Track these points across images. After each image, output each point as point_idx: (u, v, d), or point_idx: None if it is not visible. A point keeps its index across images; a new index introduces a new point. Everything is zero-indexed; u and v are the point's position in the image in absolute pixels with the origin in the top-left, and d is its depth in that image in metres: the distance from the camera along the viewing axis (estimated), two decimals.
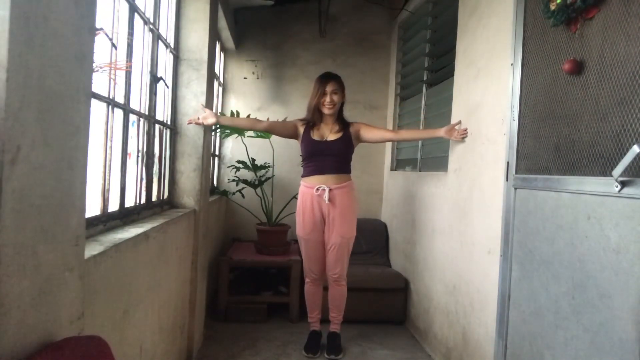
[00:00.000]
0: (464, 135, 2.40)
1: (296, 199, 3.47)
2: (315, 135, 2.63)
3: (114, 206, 1.67)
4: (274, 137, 3.61)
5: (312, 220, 2.63)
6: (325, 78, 2.61)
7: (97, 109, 1.50)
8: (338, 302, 2.76)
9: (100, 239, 1.38)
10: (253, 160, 3.57)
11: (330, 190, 2.57)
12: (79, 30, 0.94)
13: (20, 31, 0.74)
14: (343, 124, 2.67)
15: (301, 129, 2.69)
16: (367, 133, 2.67)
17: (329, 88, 2.57)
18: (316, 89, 2.61)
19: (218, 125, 3.46)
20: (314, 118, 2.64)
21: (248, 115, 3.39)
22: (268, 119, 3.59)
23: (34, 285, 0.82)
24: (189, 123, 2.44)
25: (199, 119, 2.44)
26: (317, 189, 2.57)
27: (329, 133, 2.64)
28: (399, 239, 3.53)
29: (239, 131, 3.47)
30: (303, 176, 2.70)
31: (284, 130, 2.75)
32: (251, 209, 3.67)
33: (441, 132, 2.51)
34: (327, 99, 2.57)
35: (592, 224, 1.37)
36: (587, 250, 1.38)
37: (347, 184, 2.63)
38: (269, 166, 3.67)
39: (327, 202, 2.56)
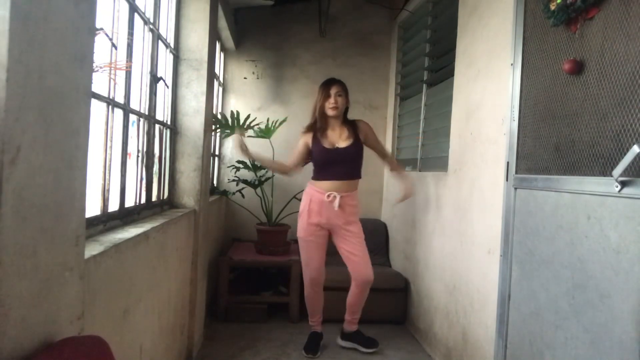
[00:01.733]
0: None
1: (297, 199, 3.49)
2: (325, 143, 2.61)
3: (114, 206, 1.67)
4: (273, 137, 3.62)
5: (316, 224, 2.61)
6: (329, 81, 2.64)
7: (97, 109, 1.50)
8: (360, 304, 2.76)
9: (100, 239, 1.38)
10: (253, 160, 3.57)
11: (340, 197, 2.56)
12: (79, 30, 0.94)
13: (20, 31, 0.74)
14: (351, 127, 2.66)
15: (309, 140, 2.66)
16: (371, 142, 2.73)
17: (332, 90, 2.59)
18: (320, 93, 2.62)
19: (222, 132, 3.49)
20: (321, 123, 2.63)
21: (248, 124, 3.38)
22: (269, 118, 3.60)
23: (34, 285, 0.82)
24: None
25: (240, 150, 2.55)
26: (328, 196, 2.55)
27: (339, 139, 2.63)
28: (399, 239, 3.53)
29: (240, 131, 3.46)
30: (314, 179, 2.67)
31: (303, 155, 2.72)
32: (251, 209, 3.67)
33: (402, 182, 2.78)
34: (331, 100, 2.58)
35: (592, 224, 1.37)
36: (587, 250, 1.38)
37: (355, 193, 2.65)
38: None
39: (336, 209, 2.55)
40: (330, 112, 2.59)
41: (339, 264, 3.26)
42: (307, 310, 2.84)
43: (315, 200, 2.61)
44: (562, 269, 1.49)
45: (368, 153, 2.75)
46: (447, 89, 2.80)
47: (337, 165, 2.59)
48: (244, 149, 2.55)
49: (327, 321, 2.91)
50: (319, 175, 2.65)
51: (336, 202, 2.54)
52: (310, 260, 2.68)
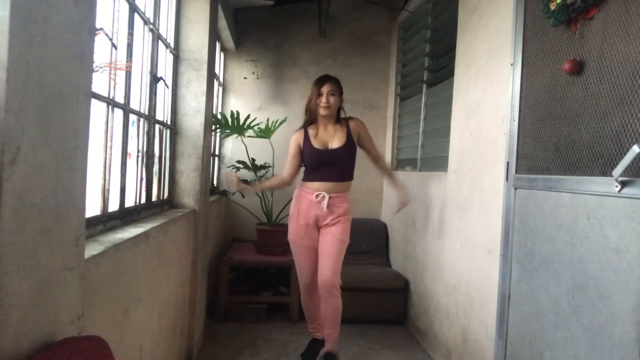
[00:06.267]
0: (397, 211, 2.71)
1: None
2: (316, 143, 2.49)
3: (114, 206, 1.67)
4: (274, 137, 3.62)
5: (305, 225, 2.50)
6: (322, 79, 2.51)
7: (97, 109, 1.50)
8: (331, 317, 2.46)
9: (100, 239, 1.38)
10: (253, 160, 3.57)
11: (330, 197, 2.45)
12: (79, 30, 0.94)
13: (20, 31, 0.74)
14: (344, 126, 2.53)
15: (301, 139, 2.54)
16: (364, 143, 2.58)
17: (325, 89, 2.46)
18: (313, 90, 2.51)
19: (222, 132, 3.53)
20: (311, 119, 2.54)
21: (248, 124, 3.41)
22: (269, 118, 3.60)
23: (34, 285, 0.82)
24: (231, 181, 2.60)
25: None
26: (317, 195, 2.45)
27: (331, 139, 2.51)
28: (399, 239, 3.53)
29: (239, 130, 3.47)
30: (304, 180, 2.55)
31: (297, 159, 2.59)
32: (251, 209, 3.67)
33: (397, 189, 2.69)
34: (323, 99, 2.45)
35: (592, 224, 1.37)
36: (587, 250, 1.38)
37: (346, 194, 2.53)
38: (269, 166, 3.67)
39: (325, 209, 2.45)
40: (322, 112, 2.47)
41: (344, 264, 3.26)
42: (304, 316, 2.71)
43: (303, 201, 2.50)
44: (562, 269, 1.49)
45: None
46: (447, 89, 2.80)
47: (328, 166, 2.48)
48: (239, 185, 2.59)
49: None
50: (309, 177, 2.53)
51: (325, 202, 2.43)
52: (304, 265, 2.55)
